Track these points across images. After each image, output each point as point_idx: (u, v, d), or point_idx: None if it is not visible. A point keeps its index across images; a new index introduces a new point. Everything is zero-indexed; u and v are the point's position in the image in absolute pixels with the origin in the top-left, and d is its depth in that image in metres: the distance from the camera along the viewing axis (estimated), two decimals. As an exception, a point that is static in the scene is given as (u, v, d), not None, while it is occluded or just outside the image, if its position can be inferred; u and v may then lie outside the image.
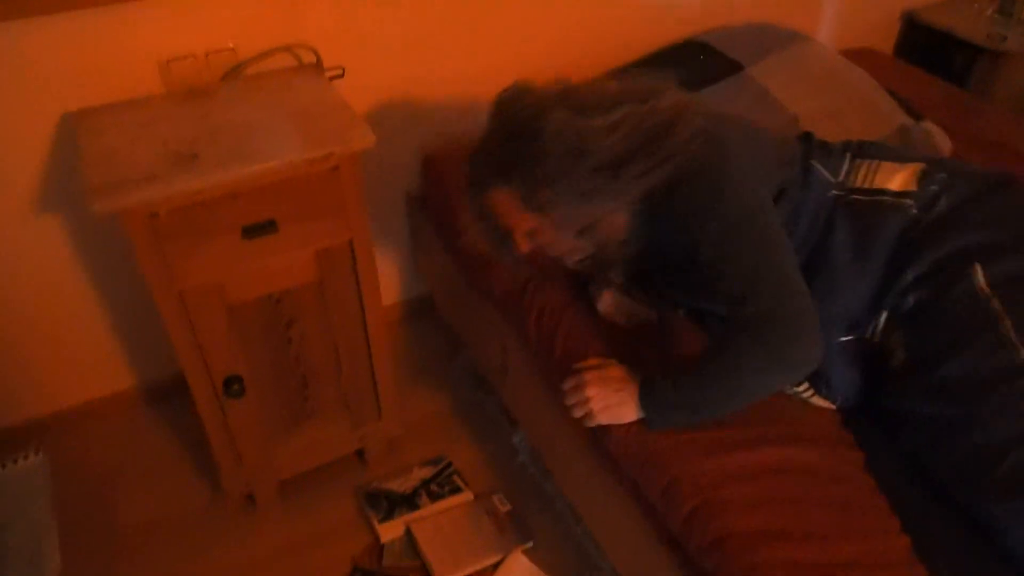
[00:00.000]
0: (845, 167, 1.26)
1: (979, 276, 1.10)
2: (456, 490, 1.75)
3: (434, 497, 1.73)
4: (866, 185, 1.22)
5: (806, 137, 1.32)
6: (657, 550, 1.25)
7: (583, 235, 1.22)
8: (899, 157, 1.26)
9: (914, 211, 1.18)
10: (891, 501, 1.12)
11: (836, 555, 1.04)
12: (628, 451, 1.24)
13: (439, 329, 2.13)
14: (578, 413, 1.24)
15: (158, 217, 1.20)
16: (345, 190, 1.33)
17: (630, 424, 1.22)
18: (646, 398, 1.18)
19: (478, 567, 1.58)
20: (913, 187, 1.20)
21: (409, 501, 1.72)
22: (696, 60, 1.89)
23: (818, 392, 1.24)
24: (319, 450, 1.68)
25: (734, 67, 1.84)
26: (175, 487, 1.76)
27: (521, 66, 1.89)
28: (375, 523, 1.67)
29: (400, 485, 1.76)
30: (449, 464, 1.81)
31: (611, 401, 1.20)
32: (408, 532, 1.64)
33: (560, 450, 1.54)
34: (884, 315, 1.18)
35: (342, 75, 1.60)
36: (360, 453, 1.78)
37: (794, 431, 1.21)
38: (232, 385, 1.43)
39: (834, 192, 1.23)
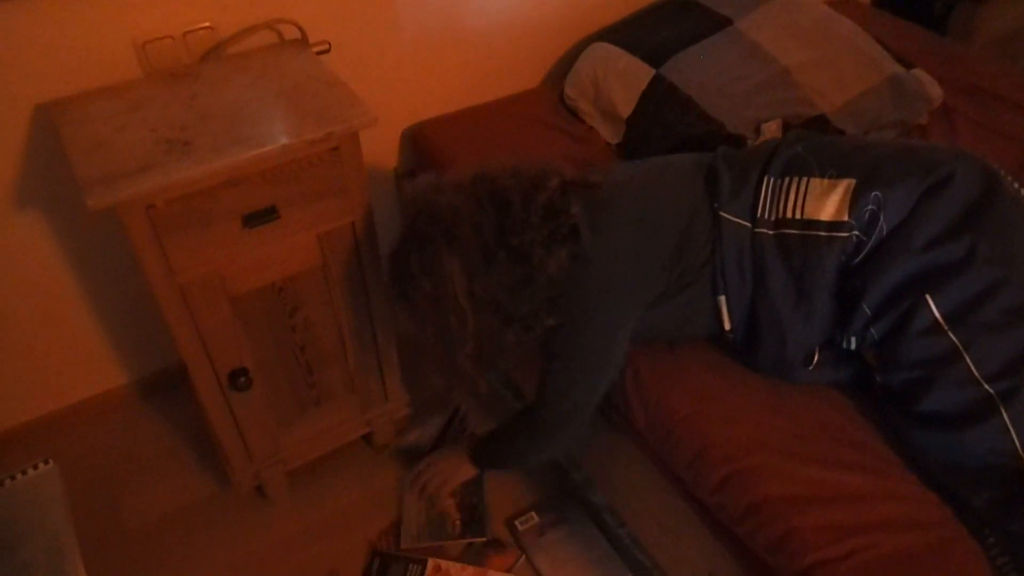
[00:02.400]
0: (766, 195, 1.18)
1: (932, 308, 1.06)
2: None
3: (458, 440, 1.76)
4: (797, 216, 1.15)
5: (711, 177, 1.23)
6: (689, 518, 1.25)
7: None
8: (827, 168, 1.16)
9: (853, 240, 1.12)
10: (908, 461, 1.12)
11: (871, 516, 1.05)
12: (653, 424, 1.23)
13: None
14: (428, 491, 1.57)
15: (155, 209, 1.15)
16: (346, 171, 1.29)
17: (653, 399, 1.22)
18: (475, 455, 1.49)
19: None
20: (845, 216, 1.12)
21: (438, 445, 1.74)
22: (684, 16, 1.85)
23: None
24: (327, 436, 1.65)
25: (723, 22, 1.81)
26: (180, 482, 1.73)
27: (507, 30, 1.85)
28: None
29: (420, 437, 1.78)
30: (457, 409, 1.83)
31: (444, 468, 1.55)
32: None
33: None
34: (852, 340, 1.16)
35: (328, 50, 1.53)
36: (367, 437, 1.75)
37: (815, 396, 1.21)
38: (238, 378, 1.39)
39: (754, 231, 1.17)
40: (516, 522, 1.59)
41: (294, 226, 1.29)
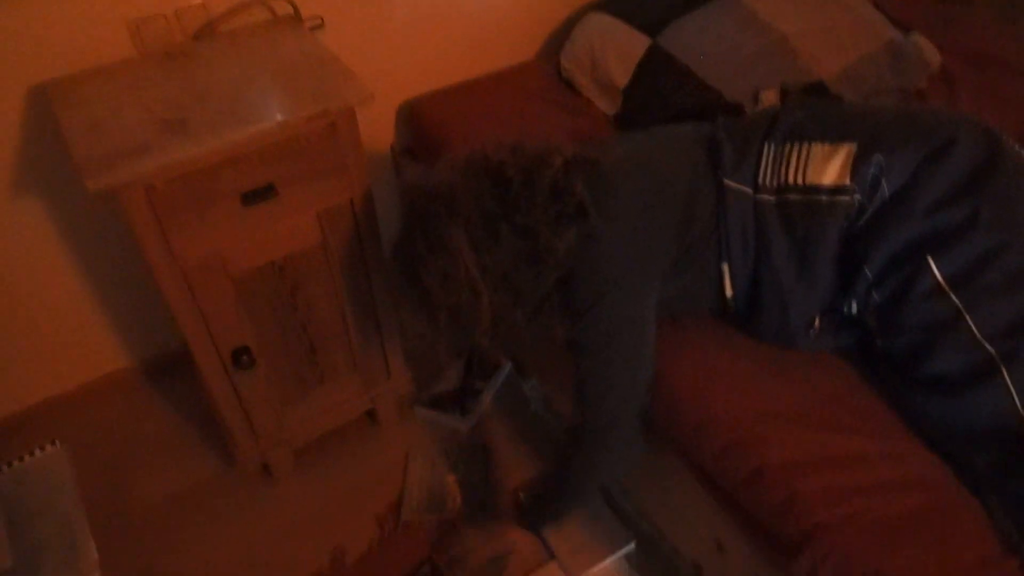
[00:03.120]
0: (768, 161, 1.17)
1: (935, 271, 1.06)
2: (496, 364, 1.84)
3: (483, 377, 1.82)
4: (799, 182, 1.14)
5: (713, 146, 1.22)
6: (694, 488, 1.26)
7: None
8: (828, 133, 1.15)
9: (855, 204, 1.11)
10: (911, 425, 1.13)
11: (872, 478, 1.06)
12: (656, 394, 1.24)
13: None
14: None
15: (155, 189, 1.14)
16: (343, 148, 1.28)
17: (656, 370, 1.23)
18: (533, 521, 1.48)
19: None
20: (847, 180, 1.11)
21: (467, 391, 1.80)
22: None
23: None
24: (332, 415, 1.66)
25: (719, -11, 1.80)
26: (186, 462, 1.74)
27: (502, 2, 1.83)
28: (456, 422, 1.75)
29: (445, 385, 1.83)
30: (472, 350, 1.87)
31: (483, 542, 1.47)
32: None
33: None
34: (854, 305, 1.16)
35: (322, 25, 1.52)
36: (371, 414, 1.76)
37: (816, 364, 1.22)
38: (241, 357, 1.39)
39: (757, 198, 1.17)
40: (521, 494, 1.61)
41: (293, 204, 1.29)
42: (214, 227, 1.23)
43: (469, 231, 1.13)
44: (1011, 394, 1.02)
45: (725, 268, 1.20)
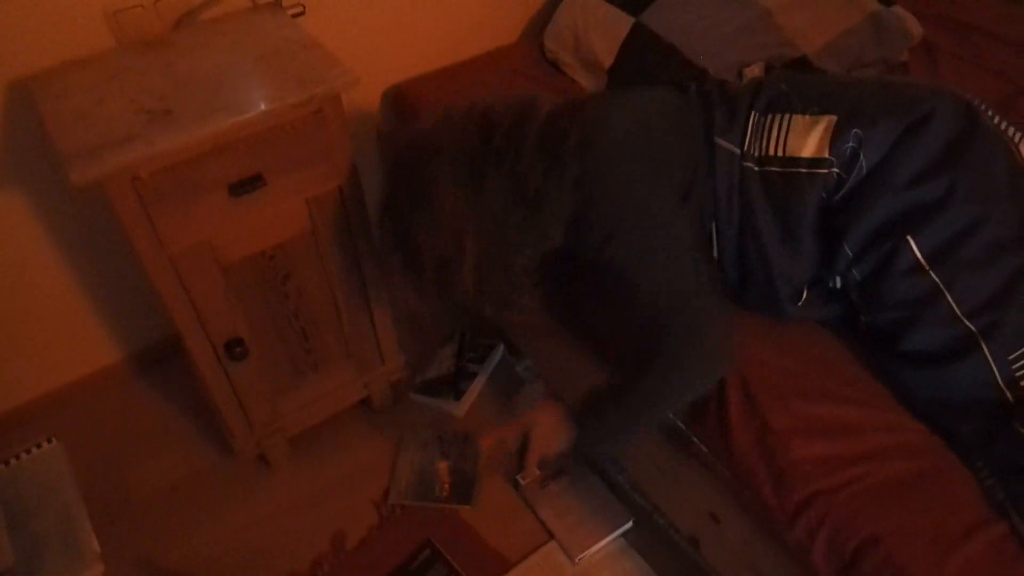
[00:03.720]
0: (752, 130, 1.17)
1: (914, 248, 1.06)
2: (489, 347, 1.86)
3: (477, 360, 1.84)
4: (779, 153, 1.15)
5: (705, 104, 1.22)
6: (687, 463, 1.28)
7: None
8: (810, 105, 1.15)
9: (833, 177, 1.12)
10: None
11: (864, 446, 1.07)
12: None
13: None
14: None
15: (140, 180, 1.13)
16: (330, 134, 1.27)
17: None
18: (583, 441, 1.28)
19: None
20: (825, 152, 1.11)
21: (461, 374, 1.81)
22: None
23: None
24: (326, 402, 1.66)
25: (701, -35, 1.79)
26: (183, 453, 1.74)
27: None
28: (449, 406, 1.77)
29: (438, 370, 1.84)
30: (464, 332, 1.90)
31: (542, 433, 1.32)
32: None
33: (571, 369, 1.55)
34: (837, 280, 1.17)
35: (303, 12, 1.51)
36: (365, 402, 1.76)
37: (806, 335, 1.23)
38: (234, 348, 1.39)
39: (742, 164, 1.16)
40: (518, 477, 1.62)
41: (281, 192, 1.28)
42: (202, 217, 1.23)
43: (455, 178, 1.11)
44: (991, 367, 1.03)
45: (712, 227, 1.19)
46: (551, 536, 1.54)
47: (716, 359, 1.14)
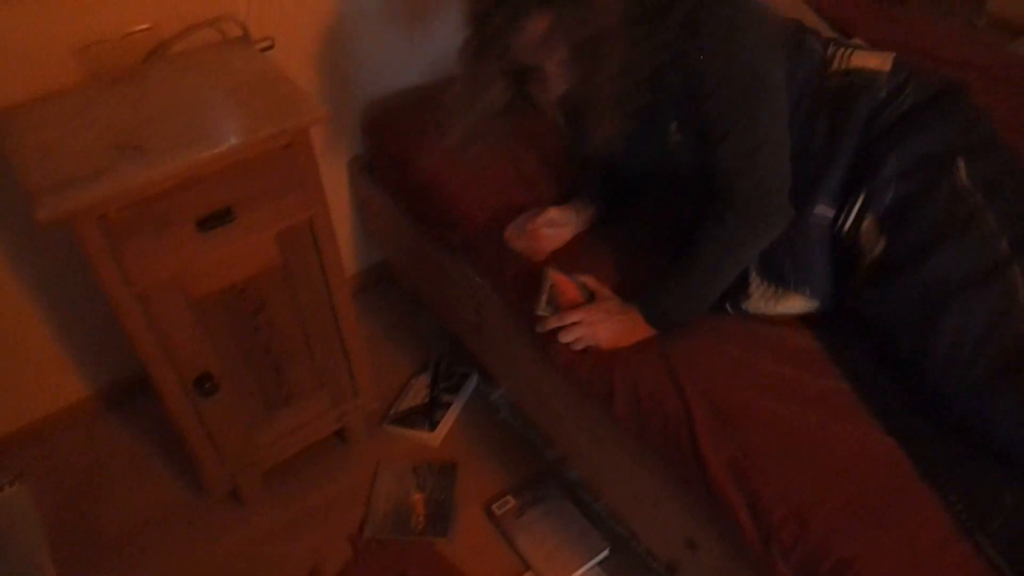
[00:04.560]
0: (823, 51, 1.28)
1: (962, 172, 1.13)
2: (464, 375, 1.86)
3: (451, 390, 1.84)
4: (842, 67, 1.25)
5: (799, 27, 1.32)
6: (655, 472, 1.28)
7: (591, 61, 1.14)
8: (872, 48, 1.30)
9: (883, 94, 1.22)
10: (871, 406, 1.16)
11: (835, 464, 1.08)
12: (630, 385, 1.25)
13: (400, 296, 2.10)
14: (581, 346, 1.28)
15: (107, 217, 1.13)
16: (300, 167, 1.28)
17: (630, 381, 1.24)
18: (652, 315, 1.26)
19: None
20: (887, 67, 1.24)
21: (435, 404, 1.81)
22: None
23: (794, 285, 1.26)
24: (300, 435, 1.65)
25: None
26: (155, 488, 1.71)
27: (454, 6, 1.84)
28: (424, 436, 1.76)
29: (413, 400, 1.83)
30: (439, 359, 1.90)
31: (617, 330, 1.27)
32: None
33: (545, 399, 1.55)
34: (860, 201, 1.21)
35: (272, 46, 1.52)
36: (339, 433, 1.75)
37: (777, 345, 1.25)
38: (204, 384, 1.38)
39: (819, 71, 1.26)
40: (493, 507, 1.61)
41: (251, 226, 1.28)
42: (170, 252, 1.22)
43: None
44: (1018, 291, 1.07)
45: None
46: (528, 566, 1.53)
47: (782, 215, 1.21)
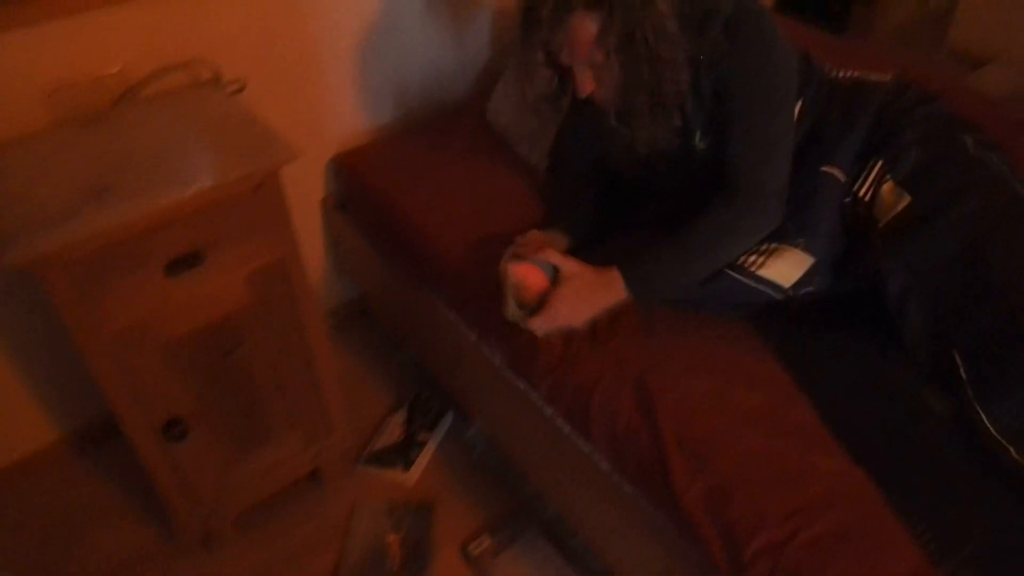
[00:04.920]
0: (825, 67, 1.41)
1: (969, 142, 1.28)
2: (439, 412, 1.85)
3: (427, 427, 1.83)
4: (848, 76, 1.41)
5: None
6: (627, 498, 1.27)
7: (646, 64, 1.21)
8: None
9: (890, 96, 1.36)
10: (840, 433, 1.18)
11: (808, 496, 1.09)
12: (607, 417, 1.26)
13: (376, 332, 2.09)
14: (556, 331, 1.32)
15: (75, 261, 1.12)
16: (270, 208, 1.28)
17: (608, 413, 1.24)
18: (633, 276, 1.29)
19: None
20: (888, 78, 1.41)
21: (410, 442, 1.80)
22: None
23: (792, 237, 1.30)
24: (273, 476, 1.63)
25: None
26: (125, 534, 1.68)
27: (426, 52, 1.87)
28: (399, 476, 1.74)
29: (388, 439, 1.81)
30: (413, 399, 1.89)
31: (584, 302, 1.30)
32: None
33: (521, 435, 1.55)
34: (878, 168, 1.30)
35: (243, 88, 1.53)
36: (314, 473, 1.73)
37: (751, 377, 1.26)
38: (174, 427, 1.36)
39: (828, 78, 1.40)
40: (470, 547, 1.60)
41: (221, 268, 1.28)
42: (140, 296, 1.21)
43: None
44: None
45: (799, 103, 1.33)
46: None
47: (776, 216, 1.28)
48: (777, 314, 1.33)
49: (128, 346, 1.25)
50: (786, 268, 1.28)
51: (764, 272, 1.29)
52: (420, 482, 1.75)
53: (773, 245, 1.30)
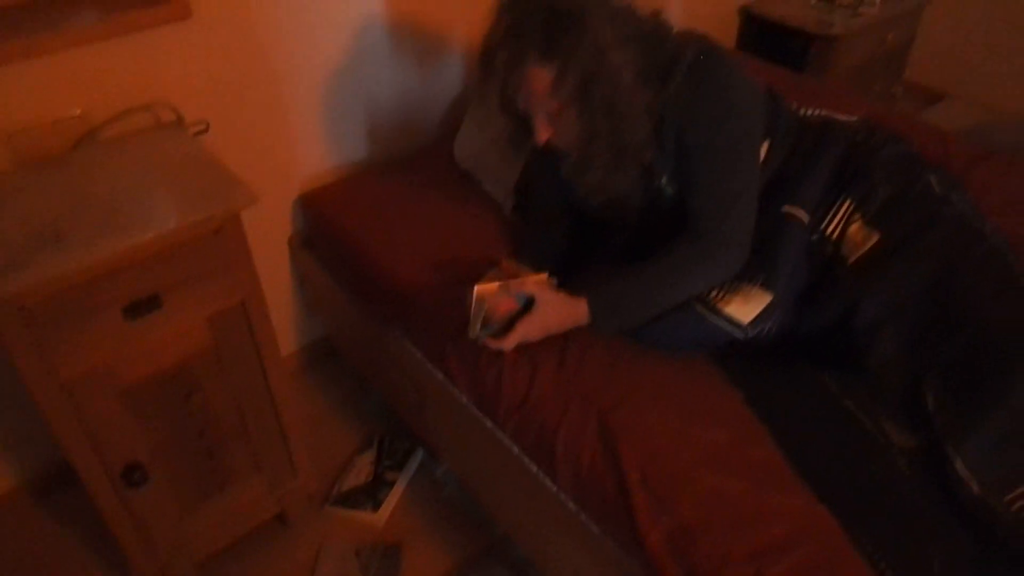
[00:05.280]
0: (793, 108, 1.45)
1: (934, 181, 1.33)
2: (408, 451, 1.84)
3: (395, 467, 1.81)
4: (816, 115, 1.46)
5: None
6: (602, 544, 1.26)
7: (602, 115, 1.23)
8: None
9: (858, 137, 1.40)
10: (802, 470, 1.18)
11: (771, 536, 1.08)
12: (572, 457, 1.25)
13: (344, 371, 2.08)
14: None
15: (27, 309, 1.10)
16: (230, 251, 1.27)
17: (587, 463, 1.24)
18: (598, 301, 1.32)
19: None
20: (855, 118, 1.45)
21: (379, 483, 1.77)
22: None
23: (748, 277, 1.31)
24: (237, 520, 1.60)
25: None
26: (83, 585, 1.63)
27: (396, 93, 1.88)
28: (367, 517, 1.72)
29: (356, 479, 1.79)
30: (382, 438, 1.87)
31: (552, 324, 1.33)
32: None
33: (488, 476, 1.53)
34: (845, 207, 1.33)
35: (207, 130, 1.53)
36: (279, 516, 1.70)
37: (715, 413, 1.26)
38: (133, 473, 1.34)
39: (797, 117, 1.44)
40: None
41: (180, 311, 1.27)
42: (96, 341, 1.20)
43: (612, 25, 1.19)
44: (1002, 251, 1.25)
45: (767, 144, 1.36)
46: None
47: (734, 264, 1.29)
48: (740, 350, 1.34)
49: (85, 391, 1.22)
50: (744, 305, 1.30)
51: (724, 307, 1.30)
52: (389, 523, 1.73)
53: (733, 282, 1.31)
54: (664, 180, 1.34)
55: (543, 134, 1.27)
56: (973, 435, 1.11)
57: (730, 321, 1.29)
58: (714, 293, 1.31)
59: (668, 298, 1.31)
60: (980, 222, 1.30)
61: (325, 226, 1.77)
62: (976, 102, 3.01)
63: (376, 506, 1.73)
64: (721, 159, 1.27)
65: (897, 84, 2.97)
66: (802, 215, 1.33)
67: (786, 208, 1.33)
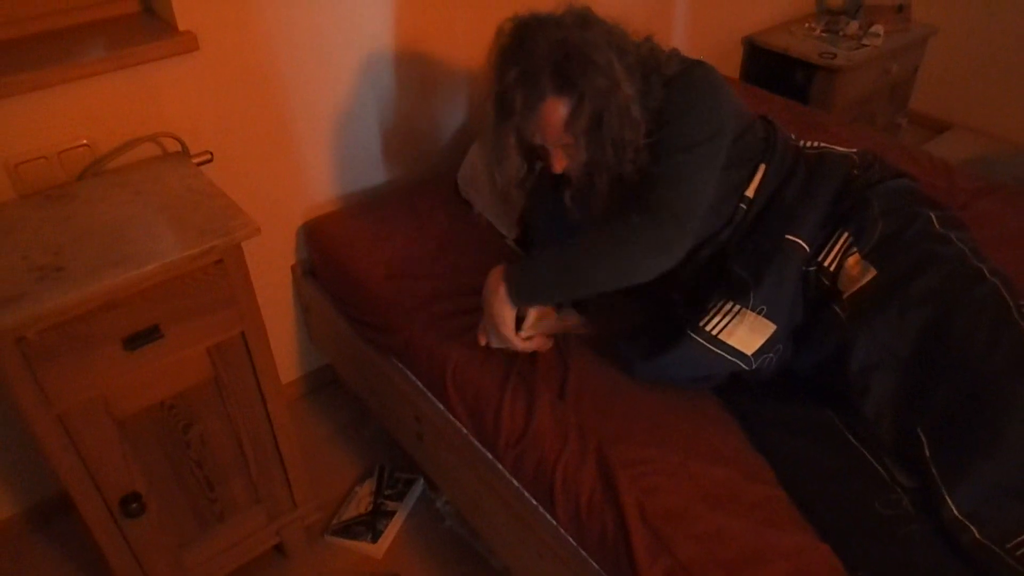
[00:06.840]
0: (791, 136, 1.48)
1: (934, 218, 1.31)
2: (409, 481, 1.83)
3: (396, 497, 1.80)
4: (815, 146, 1.47)
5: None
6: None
7: (610, 146, 1.26)
8: None
9: (856, 170, 1.40)
10: (804, 508, 1.17)
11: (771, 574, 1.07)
12: (571, 493, 1.24)
13: (345, 400, 2.07)
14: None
15: (26, 340, 1.11)
16: (232, 282, 1.28)
17: (584, 498, 1.23)
18: (511, 271, 1.34)
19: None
20: (854, 151, 1.45)
21: (379, 513, 1.76)
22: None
23: (752, 302, 1.29)
24: (235, 552, 1.58)
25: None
26: (77, 619, 1.62)
27: (401, 120, 1.89)
28: (367, 548, 1.70)
29: (356, 509, 1.78)
30: (382, 467, 1.86)
31: (485, 297, 1.38)
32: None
33: (488, 509, 1.52)
34: (843, 240, 1.32)
35: (211, 160, 1.54)
36: (278, 548, 1.68)
37: (710, 450, 1.25)
38: (130, 504, 1.33)
39: (795, 144, 1.46)
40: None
41: (180, 342, 1.27)
42: (95, 372, 1.20)
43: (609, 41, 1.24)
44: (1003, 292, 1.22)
45: (762, 168, 1.37)
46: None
47: (666, 254, 1.26)
48: (740, 385, 1.33)
49: (83, 422, 1.22)
50: (748, 335, 1.28)
51: (727, 338, 1.29)
52: (388, 554, 1.71)
53: (737, 307, 1.29)
54: None
55: (560, 164, 1.31)
56: (965, 482, 1.10)
57: (735, 352, 1.28)
58: (716, 320, 1.30)
59: (596, 268, 1.27)
60: (980, 260, 1.28)
61: (328, 255, 1.78)
62: (981, 132, 3.02)
63: (375, 537, 1.71)
64: (674, 144, 1.27)
65: (901, 115, 2.98)
66: (803, 244, 1.33)
67: (788, 236, 1.33)
